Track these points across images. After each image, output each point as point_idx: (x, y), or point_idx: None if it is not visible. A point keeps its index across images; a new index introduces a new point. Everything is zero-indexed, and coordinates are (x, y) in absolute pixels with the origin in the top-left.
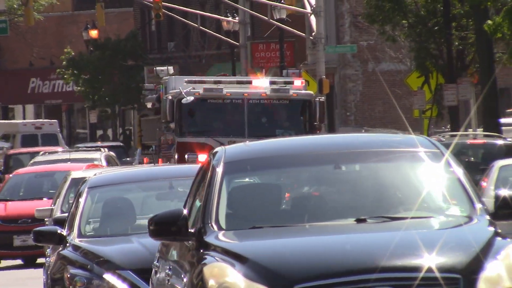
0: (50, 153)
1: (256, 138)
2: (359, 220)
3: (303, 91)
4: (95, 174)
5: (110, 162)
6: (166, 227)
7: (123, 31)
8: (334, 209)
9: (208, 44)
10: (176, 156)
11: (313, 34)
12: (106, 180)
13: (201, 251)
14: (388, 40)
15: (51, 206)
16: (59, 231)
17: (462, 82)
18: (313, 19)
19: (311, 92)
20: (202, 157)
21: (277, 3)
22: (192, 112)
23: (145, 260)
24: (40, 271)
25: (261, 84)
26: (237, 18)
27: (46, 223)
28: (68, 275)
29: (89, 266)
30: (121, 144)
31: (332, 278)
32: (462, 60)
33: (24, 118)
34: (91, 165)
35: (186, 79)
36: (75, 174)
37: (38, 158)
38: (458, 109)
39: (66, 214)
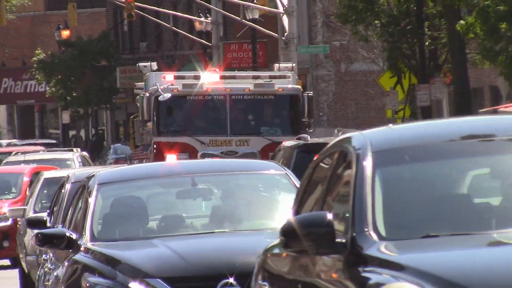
0: (23, 153)
1: (240, 136)
2: None
3: (290, 86)
4: (73, 173)
5: (83, 162)
6: (305, 236)
7: (96, 31)
8: None
9: (181, 45)
10: (153, 157)
11: (285, 34)
12: (117, 176)
13: (361, 267)
14: (361, 40)
15: (23, 206)
16: (67, 234)
17: (435, 82)
18: (285, 19)
19: (299, 86)
20: (181, 158)
21: (250, 3)
22: (170, 109)
23: (177, 267)
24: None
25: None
26: (209, 18)
27: (19, 223)
28: (87, 284)
29: (110, 274)
30: (55, 142)
31: None
32: (435, 60)
33: None
34: (37, 168)
35: (164, 75)
36: (48, 174)
37: (11, 158)
38: (431, 109)
39: (40, 214)
